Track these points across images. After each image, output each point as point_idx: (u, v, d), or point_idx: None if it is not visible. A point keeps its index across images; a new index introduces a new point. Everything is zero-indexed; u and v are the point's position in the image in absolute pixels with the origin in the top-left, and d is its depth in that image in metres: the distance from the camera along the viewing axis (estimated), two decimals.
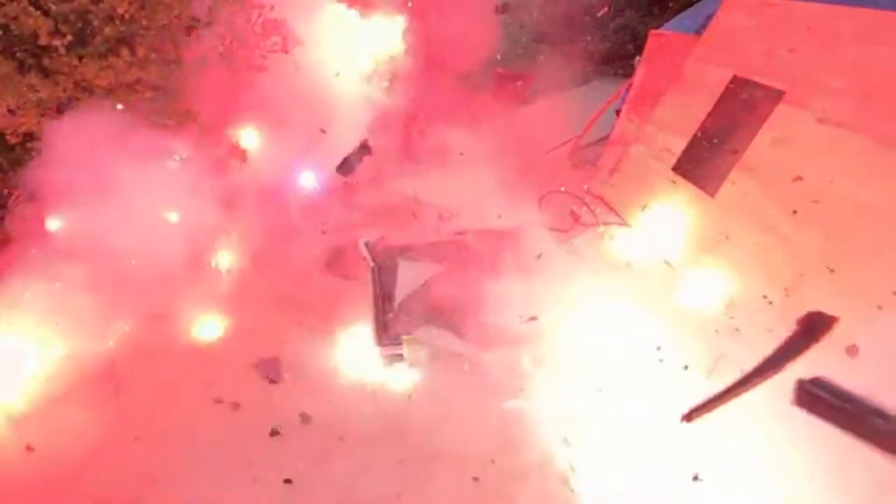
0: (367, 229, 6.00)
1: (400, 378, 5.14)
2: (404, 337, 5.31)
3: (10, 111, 5.06)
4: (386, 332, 5.32)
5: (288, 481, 4.32)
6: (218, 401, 4.97)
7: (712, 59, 6.31)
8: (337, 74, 7.21)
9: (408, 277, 5.76)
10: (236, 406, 4.84)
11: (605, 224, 6.98)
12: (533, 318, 5.32)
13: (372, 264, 5.74)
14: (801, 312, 4.55)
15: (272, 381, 5.16)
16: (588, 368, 4.90)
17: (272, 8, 6.16)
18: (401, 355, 5.23)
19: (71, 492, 4.24)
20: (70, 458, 4.37)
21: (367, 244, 5.75)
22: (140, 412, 4.87)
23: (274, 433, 4.52)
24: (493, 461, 4.35)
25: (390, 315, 5.51)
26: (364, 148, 6.96)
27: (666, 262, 6.11)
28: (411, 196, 7.95)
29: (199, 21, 5.83)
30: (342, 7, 7.49)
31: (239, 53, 6.13)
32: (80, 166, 5.13)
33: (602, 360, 4.96)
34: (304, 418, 4.75)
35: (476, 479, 4.24)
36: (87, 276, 5.19)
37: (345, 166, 6.96)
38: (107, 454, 4.49)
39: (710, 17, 6.95)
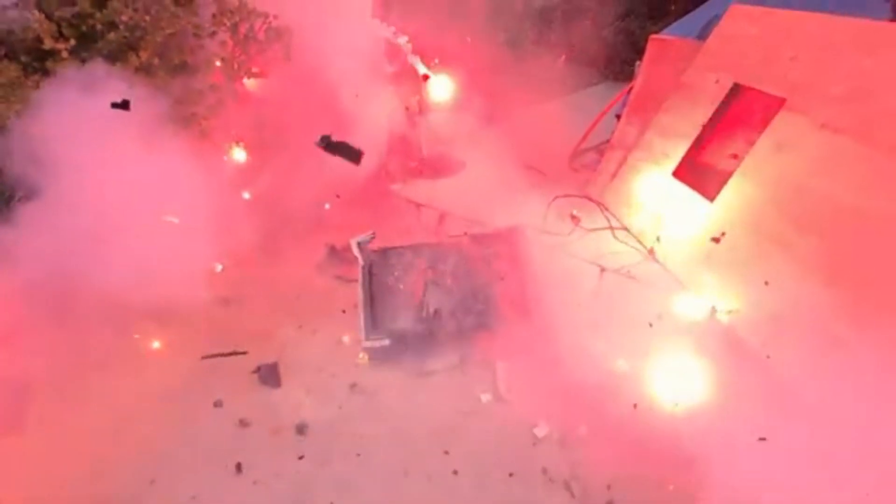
0: (365, 230, 5.97)
1: (403, 383, 5.13)
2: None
3: (17, 113, 5.09)
4: (374, 329, 5.32)
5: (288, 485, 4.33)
6: (217, 404, 4.97)
7: (714, 66, 6.34)
8: (356, 96, 7.31)
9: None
10: (246, 424, 4.81)
11: (604, 228, 6.98)
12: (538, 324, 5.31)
13: (362, 263, 5.74)
14: (802, 320, 4.57)
15: (272, 386, 5.16)
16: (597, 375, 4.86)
17: (276, 16, 6.18)
18: (387, 348, 5.23)
19: (69, 493, 4.25)
20: None
21: (358, 243, 5.75)
22: (140, 413, 4.88)
23: (238, 469, 4.46)
24: (511, 475, 4.30)
25: (380, 313, 5.50)
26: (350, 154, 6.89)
27: (665, 267, 6.12)
28: (413, 199, 7.98)
29: (203, 29, 5.84)
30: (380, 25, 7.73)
31: (241, 59, 6.14)
32: (80, 163, 5.13)
33: (609, 365, 4.94)
34: (304, 423, 4.75)
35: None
36: (84, 275, 5.18)
37: (327, 141, 6.87)
38: (106, 455, 4.51)
39: (710, 22, 6.99)
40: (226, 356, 5.33)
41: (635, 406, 4.59)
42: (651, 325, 5.26)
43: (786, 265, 4.87)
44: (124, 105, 5.15)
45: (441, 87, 8.82)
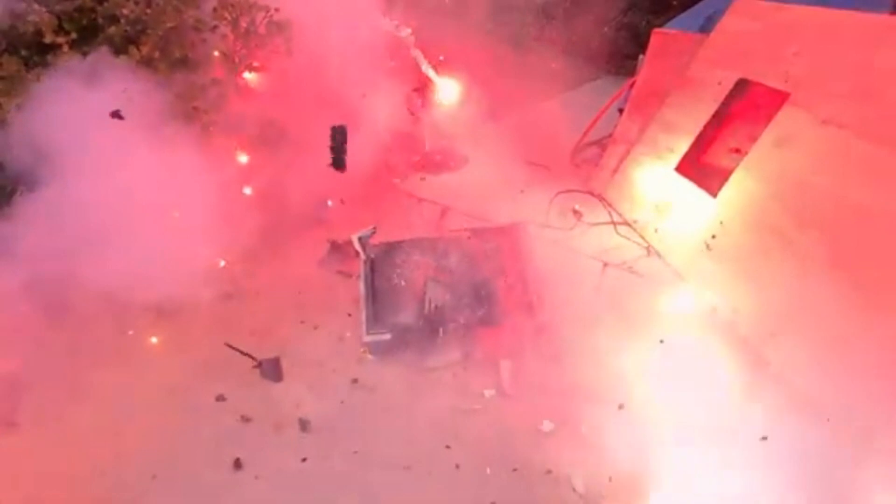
0: (366, 225, 5.97)
1: (404, 379, 5.13)
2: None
3: (18, 106, 5.08)
4: (376, 324, 5.32)
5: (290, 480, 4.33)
6: (219, 398, 4.97)
7: (717, 61, 6.34)
8: (363, 96, 7.28)
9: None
10: (248, 419, 4.80)
11: (606, 223, 6.98)
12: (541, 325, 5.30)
13: (364, 257, 5.74)
14: (804, 317, 4.57)
15: (274, 381, 5.15)
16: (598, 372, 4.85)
17: (277, 10, 6.15)
18: (388, 342, 5.22)
19: (69, 492, 4.25)
20: None
21: (360, 239, 5.74)
22: (141, 409, 4.88)
23: (237, 465, 4.42)
24: (515, 469, 4.28)
25: (382, 307, 5.50)
26: (341, 133, 6.85)
27: (667, 262, 6.13)
28: (415, 194, 7.99)
29: (204, 23, 5.82)
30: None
31: (242, 53, 6.11)
32: (81, 157, 5.12)
33: (611, 361, 4.93)
34: (306, 418, 4.75)
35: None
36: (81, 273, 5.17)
37: (337, 160, 6.84)
38: (107, 451, 4.51)
39: (712, 16, 6.99)
40: (243, 354, 5.32)
41: (621, 407, 4.60)
42: (654, 324, 5.27)
43: (787, 261, 4.87)
44: (117, 114, 5.16)
45: (448, 91, 8.82)
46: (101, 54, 5.37)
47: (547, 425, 4.53)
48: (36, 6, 5.02)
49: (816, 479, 3.66)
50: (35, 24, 5.05)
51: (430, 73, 8.50)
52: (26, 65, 5.19)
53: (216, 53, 6.10)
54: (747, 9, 6.21)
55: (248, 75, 6.50)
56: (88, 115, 5.07)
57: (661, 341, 4.91)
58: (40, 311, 5.42)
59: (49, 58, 5.22)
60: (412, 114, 8.57)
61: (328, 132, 6.65)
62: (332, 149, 6.66)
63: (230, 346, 5.35)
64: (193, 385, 5.10)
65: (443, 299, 5.42)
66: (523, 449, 4.40)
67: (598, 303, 5.61)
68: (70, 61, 5.25)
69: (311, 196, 6.98)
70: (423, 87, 8.51)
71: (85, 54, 5.36)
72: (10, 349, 5.16)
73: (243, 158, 6.67)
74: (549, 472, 4.20)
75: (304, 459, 4.41)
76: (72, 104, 5.05)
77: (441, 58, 8.88)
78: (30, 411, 4.84)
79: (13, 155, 5.07)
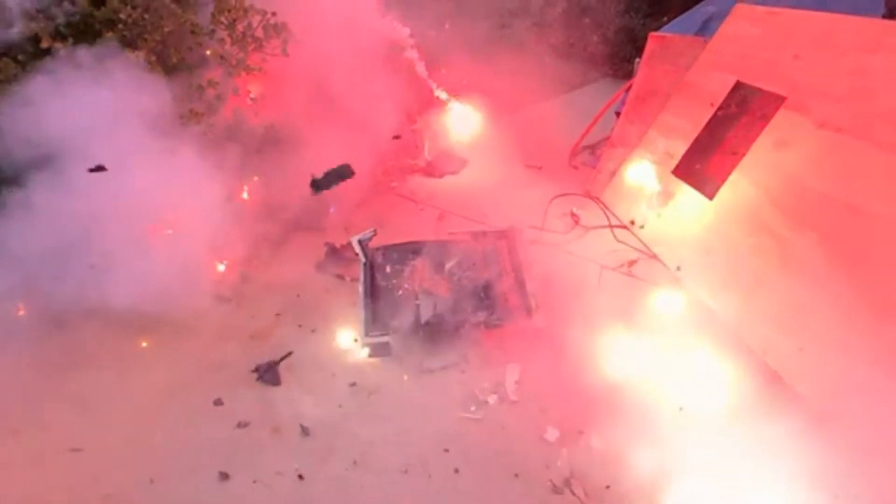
0: (365, 229, 5.98)
1: (403, 382, 5.12)
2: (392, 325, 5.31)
3: (13, 104, 5.06)
4: (374, 326, 5.31)
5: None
6: (217, 403, 4.96)
7: (717, 65, 6.36)
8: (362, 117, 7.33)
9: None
10: (245, 423, 4.79)
11: (603, 227, 6.99)
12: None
13: (363, 260, 5.75)
14: (799, 317, 4.57)
15: (272, 385, 5.15)
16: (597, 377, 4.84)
17: (274, 14, 6.15)
18: (387, 345, 5.21)
19: (67, 494, 4.24)
20: None
21: (360, 241, 5.75)
22: (139, 413, 4.87)
23: (223, 477, 4.39)
24: (516, 475, 4.26)
25: (381, 310, 5.49)
26: (342, 173, 6.84)
27: (664, 264, 6.14)
28: (413, 197, 8.00)
29: (202, 28, 5.82)
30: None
31: (239, 56, 6.11)
32: (78, 159, 5.13)
33: (606, 363, 4.93)
34: (304, 422, 4.74)
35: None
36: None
37: (319, 183, 6.83)
38: (105, 454, 4.50)
39: (708, 20, 7.04)
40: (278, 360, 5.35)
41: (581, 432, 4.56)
42: (653, 327, 5.27)
43: (784, 263, 4.89)
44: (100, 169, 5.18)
45: (463, 119, 8.85)
46: (101, 52, 5.35)
47: (551, 433, 4.52)
48: (34, 12, 5.00)
49: (815, 480, 3.66)
50: (32, 29, 5.04)
51: (425, 74, 8.49)
52: (24, 68, 5.17)
53: (208, 53, 6.09)
54: (748, 13, 6.24)
55: (245, 77, 6.50)
56: (85, 120, 5.05)
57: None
58: (37, 316, 5.42)
59: (47, 61, 5.20)
60: (411, 118, 8.59)
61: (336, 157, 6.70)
62: (325, 176, 6.68)
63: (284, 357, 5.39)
64: (192, 389, 5.09)
65: (440, 304, 5.41)
66: (523, 454, 4.39)
67: (597, 306, 5.61)
68: (68, 65, 5.22)
69: (312, 201, 6.98)
70: (402, 135, 8.46)
71: None
72: (6, 352, 5.15)
73: (243, 162, 6.67)
74: (548, 478, 4.20)
75: (300, 455, 4.39)
76: (69, 109, 5.04)
77: (443, 70, 8.88)
78: (27, 416, 4.83)
79: (9, 157, 5.06)
